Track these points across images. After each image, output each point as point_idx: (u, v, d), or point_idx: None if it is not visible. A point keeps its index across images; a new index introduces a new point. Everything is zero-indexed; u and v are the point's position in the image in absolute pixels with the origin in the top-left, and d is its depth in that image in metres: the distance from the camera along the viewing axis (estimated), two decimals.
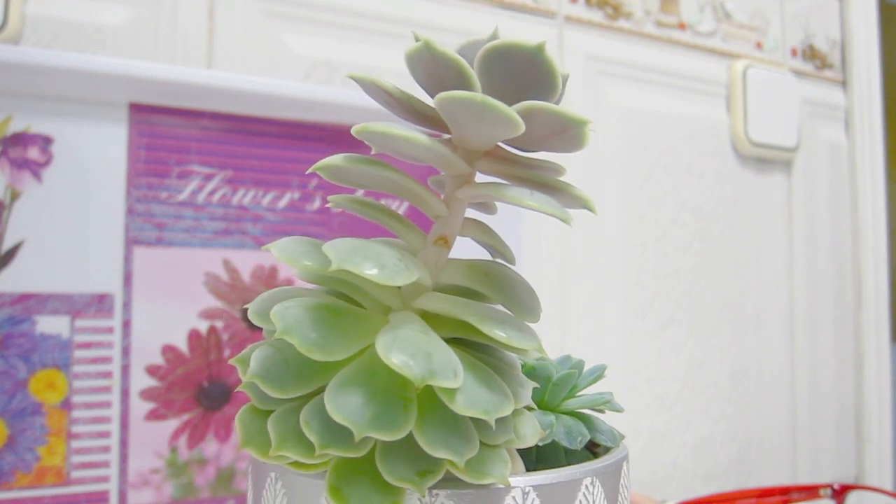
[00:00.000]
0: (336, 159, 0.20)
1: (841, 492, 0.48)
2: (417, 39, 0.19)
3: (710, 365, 0.74)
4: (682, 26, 0.74)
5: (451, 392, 0.18)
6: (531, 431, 0.21)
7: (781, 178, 0.81)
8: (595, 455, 0.25)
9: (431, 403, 0.18)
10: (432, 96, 0.20)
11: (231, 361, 0.20)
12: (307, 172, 0.21)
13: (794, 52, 0.83)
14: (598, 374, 0.27)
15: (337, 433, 0.18)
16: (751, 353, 0.77)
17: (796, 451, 0.80)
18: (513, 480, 0.19)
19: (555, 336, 0.63)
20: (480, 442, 0.19)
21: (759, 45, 0.80)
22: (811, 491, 0.48)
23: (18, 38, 0.45)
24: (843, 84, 0.88)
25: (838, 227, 0.86)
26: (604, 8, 0.69)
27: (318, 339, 0.18)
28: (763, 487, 0.48)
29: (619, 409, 0.26)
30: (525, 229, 0.59)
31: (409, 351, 0.17)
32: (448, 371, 0.17)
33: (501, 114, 0.18)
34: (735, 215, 0.77)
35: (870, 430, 0.84)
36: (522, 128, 0.18)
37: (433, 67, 0.19)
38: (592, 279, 0.66)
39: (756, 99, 0.77)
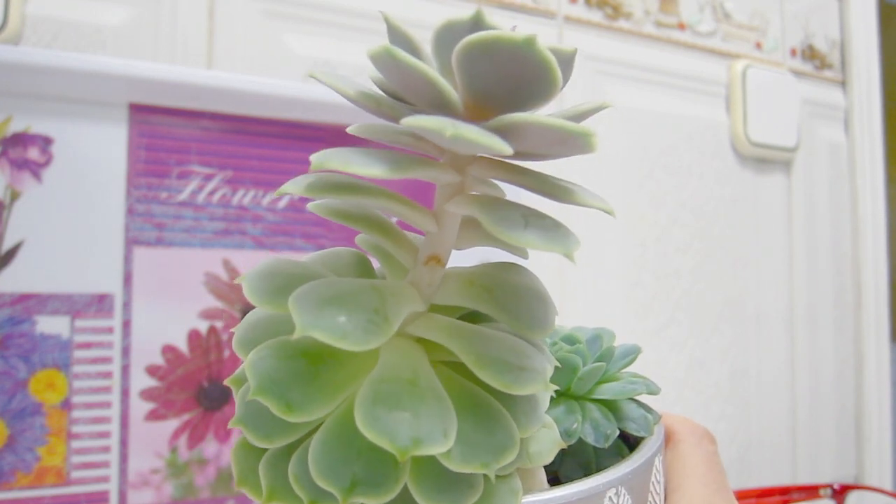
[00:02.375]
0: (298, 187, 0.17)
1: (841, 492, 0.48)
2: (388, 25, 0.17)
3: (710, 365, 0.74)
4: (681, 26, 0.74)
5: (445, 452, 0.16)
6: (548, 447, 0.19)
7: (781, 177, 0.81)
8: (627, 442, 0.24)
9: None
10: (406, 102, 0.18)
11: (226, 382, 0.19)
12: (276, 195, 0.19)
13: (793, 53, 0.83)
14: (633, 355, 0.25)
15: (325, 490, 0.16)
16: (751, 353, 0.77)
17: (796, 451, 0.80)
18: (527, 501, 0.18)
19: None
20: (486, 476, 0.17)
21: (758, 46, 0.80)
22: (811, 491, 0.48)
23: (18, 38, 0.45)
24: (843, 84, 0.88)
25: (838, 227, 0.86)
26: (603, 8, 0.69)
27: (295, 398, 0.16)
28: (763, 487, 0.48)
29: (654, 392, 0.24)
30: None
31: (391, 416, 0.15)
32: (436, 435, 0.16)
33: (479, 144, 0.15)
34: (735, 215, 0.77)
35: (870, 430, 0.84)
36: (508, 151, 0.15)
37: (399, 76, 0.17)
38: (592, 279, 0.66)
39: (756, 99, 0.77)
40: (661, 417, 0.24)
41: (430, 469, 0.17)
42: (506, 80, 0.16)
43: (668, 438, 0.24)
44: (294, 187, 0.17)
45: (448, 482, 0.17)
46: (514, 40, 0.15)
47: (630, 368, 0.26)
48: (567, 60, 0.17)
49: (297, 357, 0.17)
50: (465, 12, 0.17)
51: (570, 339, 0.25)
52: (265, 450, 0.18)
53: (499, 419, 0.17)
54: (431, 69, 0.16)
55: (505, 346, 0.18)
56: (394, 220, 0.20)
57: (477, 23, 0.17)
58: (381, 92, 0.18)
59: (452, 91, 0.16)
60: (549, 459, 0.19)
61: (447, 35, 0.17)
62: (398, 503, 0.16)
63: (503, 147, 0.15)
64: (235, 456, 0.19)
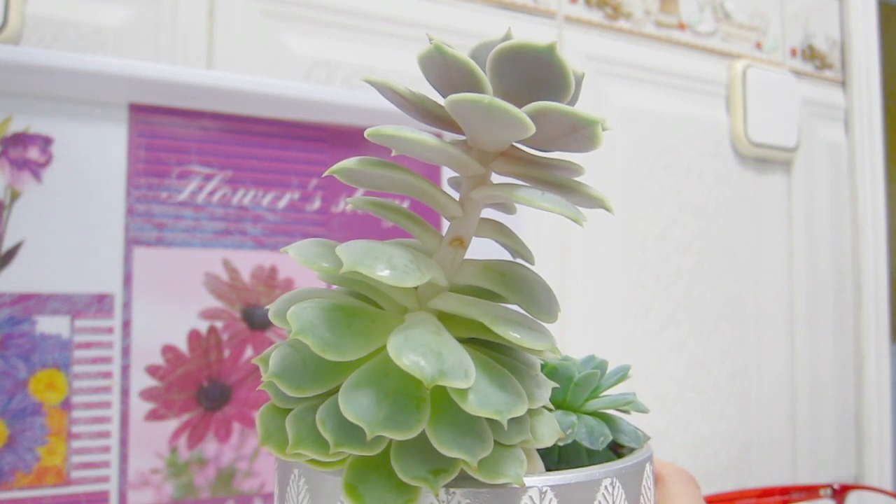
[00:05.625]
0: (350, 162, 0.20)
1: (841, 492, 0.48)
2: (430, 41, 0.19)
3: (710, 365, 0.74)
4: (681, 26, 0.74)
5: (463, 392, 0.18)
6: (549, 432, 0.21)
7: (781, 178, 0.81)
8: (619, 456, 0.25)
9: (444, 403, 0.18)
10: (445, 98, 0.20)
11: (254, 361, 0.21)
12: (324, 175, 0.22)
13: (793, 53, 0.83)
14: (623, 374, 0.27)
15: (351, 432, 0.18)
16: (751, 353, 0.77)
17: (796, 451, 0.80)
18: (530, 480, 0.19)
19: (554, 335, 0.63)
20: (495, 442, 0.19)
21: (758, 46, 0.80)
22: (811, 491, 0.48)
23: (18, 38, 0.45)
24: (843, 84, 0.88)
25: (838, 227, 0.86)
26: (604, 8, 0.69)
27: (332, 340, 0.18)
28: (763, 487, 0.48)
29: (643, 410, 0.25)
30: (524, 229, 0.59)
31: (419, 351, 0.17)
32: (459, 371, 0.17)
33: (509, 115, 0.18)
34: (735, 215, 0.77)
35: (870, 430, 0.84)
36: (532, 129, 0.18)
37: (444, 70, 0.20)
38: (592, 279, 0.66)
39: (756, 99, 0.77)
40: (650, 438, 0.25)
41: (447, 416, 0.18)
42: (530, 79, 0.19)
43: (657, 479, 0.25)
44: (348, 163, 0.20)
45: (463, 432, 0.18)
46: (538, 46, 0.18)
47: (623, 388, 0.27)
48: (577, 80, 0.20)
49: (335, 310, 0.19)
50: (481, 30, 0.18)
51: (565, 359, 0.26)
52: (289, 411, 0.20)
53: (510, 381, 0.19)
54: (472, 62, 0.19)
55: (517, 314, 0.21)
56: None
57: (506, 39, 0.20)
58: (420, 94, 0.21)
59: (488, 83, 0.19)
60: (549, 443, 0.21)
61: (482, 51, 0.20)
62: (415, 450, 0.18)
63: (528, 121, 0.18)
64: (261, 418, 0.20)
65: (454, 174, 0.22)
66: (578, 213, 0.19)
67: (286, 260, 0.46)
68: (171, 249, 0.43)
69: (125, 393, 0.42)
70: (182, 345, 0.43)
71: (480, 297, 0.22)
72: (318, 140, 0.47)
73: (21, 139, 0.40)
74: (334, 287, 0.23)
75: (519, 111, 0.18)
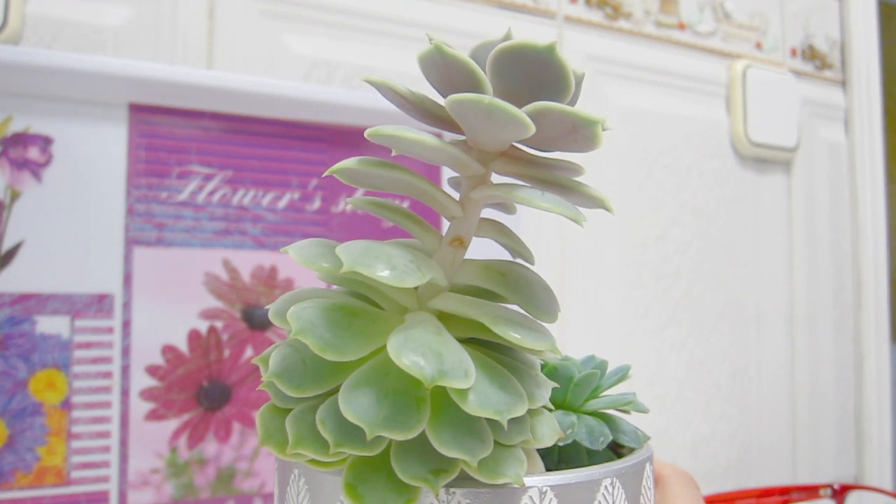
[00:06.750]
0: (350, 162, 0.20)
1: (841, 492, 0.48)
2: (430, 41, 0.19)
3: (710, 365, 0.74)
4: (681, 26, 0.74)
5: (463, 392, 0.18)
6: (549, 432, 0.21)
7: (781, 178, 0.81)
8: (619, 456, 0.25)
9: (444, 403, 0.18)
10: (445, 98, 0.20)
11: (254, 361, 0.21)
12: (324, 175, 0.22)
13: (793, 53, 0.83)
14: (623, 374, 0.27)
15: (351, 432, 0.18)
16: (751, 353, 0.77)
17: (796, 451, 0.80)
18: (530, 480, 0.19)
19: (554, 335, 0.63)
20: (495, 442, 0.19)
21: (758, 46, 0.80)
22: (811, 491, 0.48)
23: (18, 38, 0.45)
24: (843, 84, 0.88)
25: (838, 227, 0.86)
26: (604, 8, 0.69)
27: (332, 340, 0.18)
28: (763, 487, 0.48)
29: (643, 410, 0.25)
30: (524, 229, 0.58)
31: (419, 351, 0.17)
32: (459, 371, 0.17)
33: (509, 115, 0.18)
34: (735, 215, 0.77)
35: (870, 430, 0.84)
36: (532, 129, 0.18)
37: (444, 70, 0.20)
38: (592, 279, 0.66)
39: (756, 99, 0.77)
40: (650, 438, 0.25)
41: (447, 416, 0.18)
42: (530, 79, 0.19)
43: (657, 480, 0.25)
44: (348, 163, 0.20)
45: (463, 432, 0.18)
46: (538, 46, 0.18)
47: (623, 388, 0.27)
48: (577, 80, 0.20)
49: (335, 310, 0.19)
50: (481, 30, 0.18)
51: (565, 359, 0.26)
52: (289, 411, 0.20)
53: (510, 381, 0.19)
54: (472, 62, 0.19)
55: (517, 314, 0.21)
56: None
57: (506, 39, 0.20)
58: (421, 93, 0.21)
59: (488, 83, 0.19)
60: (549, 443, 0.21)
61: (482, 51, 0.20)
62: (415, 450, 0.18)
63: (528, 121, 0.18)
64: (261, 418, 0.20)
65: (454, 174, 0.22)
66: (578, 213, 0.19)
67: (286, 260, 0.46)
68: (171, 249, 0.43)
69: (125, 393, 0.42)
70: (182, 345, 0.43)
71: (480, 297, 0.22)
72: (318, 140, 0.47)
73: (21, 139, 0.40)
74: (334, 287, 0.23)
75: (519, 111, 0.18)
